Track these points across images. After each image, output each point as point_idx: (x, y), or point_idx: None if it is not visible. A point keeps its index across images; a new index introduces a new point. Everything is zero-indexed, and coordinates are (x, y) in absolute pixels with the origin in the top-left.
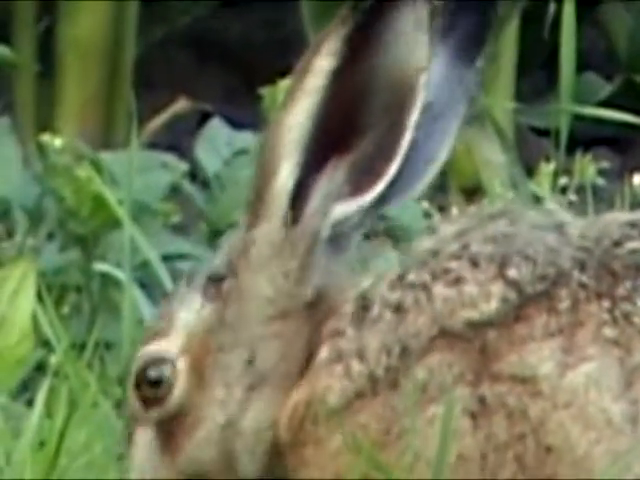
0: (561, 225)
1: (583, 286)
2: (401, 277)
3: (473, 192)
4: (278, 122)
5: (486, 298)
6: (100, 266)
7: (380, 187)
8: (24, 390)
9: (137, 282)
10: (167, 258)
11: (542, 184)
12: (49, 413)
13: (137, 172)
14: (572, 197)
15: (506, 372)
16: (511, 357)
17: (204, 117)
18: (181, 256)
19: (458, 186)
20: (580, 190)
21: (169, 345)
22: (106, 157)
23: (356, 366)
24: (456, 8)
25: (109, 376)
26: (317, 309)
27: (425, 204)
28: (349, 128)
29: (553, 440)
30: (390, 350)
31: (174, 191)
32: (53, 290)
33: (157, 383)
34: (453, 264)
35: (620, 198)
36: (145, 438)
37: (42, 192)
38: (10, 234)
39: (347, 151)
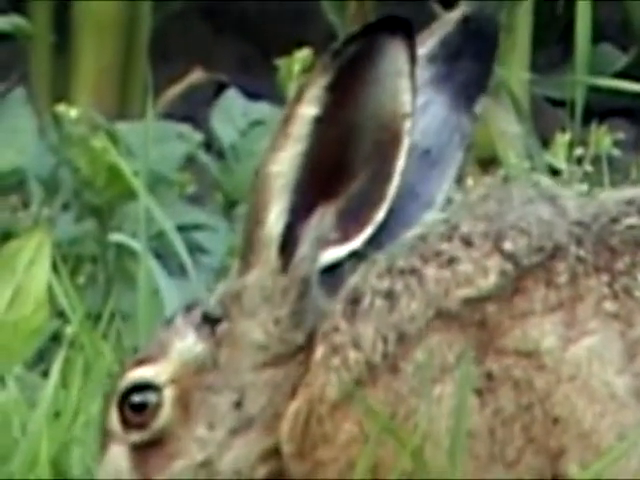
0: (554, 198)
1: (581, 260)
2: (389, 265)
3: (489, 163)
4: (264, 169)
5: (483, 274)
6: (116, 236)
7: (368, 233)
8: (39, 361)
9: (152, 252)
10: (182, 228)
11: (558, 155)
12: (64, 383)
13: (153, 142)
14: (588, 168)
15: (510, 346)
16: (513, 332)
17: (220, 88)
18: (196, 226)
19: (474, 157)
20: (596, 161)
21: (159, 371)
22: (122, 128)
23: (352, 355)
24: (455, 54)
25: (124, 346)
26: (309, 350)
27: None
28: (337, 174)
29: (560, 411)
30: (386, 337)
31: (189, 161)
32: (68, 260)
33: (141, 408)
34: (444, 246)
35: (636, 169)
36: (118, 457)
37: (57, 163)
38: (26, 205)
39: (335, 197)
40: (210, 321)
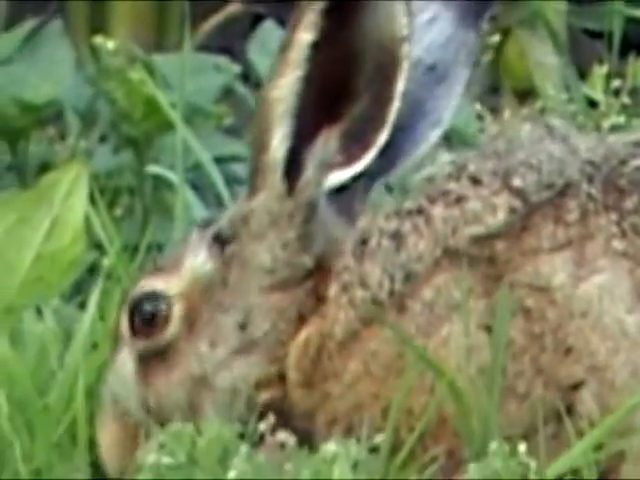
0: (566, 137)
1: (592, 198)
2: (397, 207)
3: (526, 95)
4: (266, 95)
5: (492, 211)
6: (153, 168)
7: (371, 155)
8: (77, 293)
9: (189, 184)
10: (219, 160)
11: (595, 87)
12: (102, 315)
13: (190, 74)
14: (625, 100)
15: (522, 281)
16: (524, 268)
17: (257, 19)
18: (233, 158)
19: (511, 88)
20: (633, 93)
21: (170, 284)
22: (159, 59)
23: (359, 293)
24: None
25: None
26: (317, 276)
27: (478, 106)
28: (339, 97)
29: (573, 342)
30: (392, 276)
31: (227, 93)
32: (106, 192)
33: (150, 317)
34: (452, 185)
35: None
36: (125, 361)
37: (95, 94)
38: (63, 137)
39: (338, 120)
40: (220, 241)
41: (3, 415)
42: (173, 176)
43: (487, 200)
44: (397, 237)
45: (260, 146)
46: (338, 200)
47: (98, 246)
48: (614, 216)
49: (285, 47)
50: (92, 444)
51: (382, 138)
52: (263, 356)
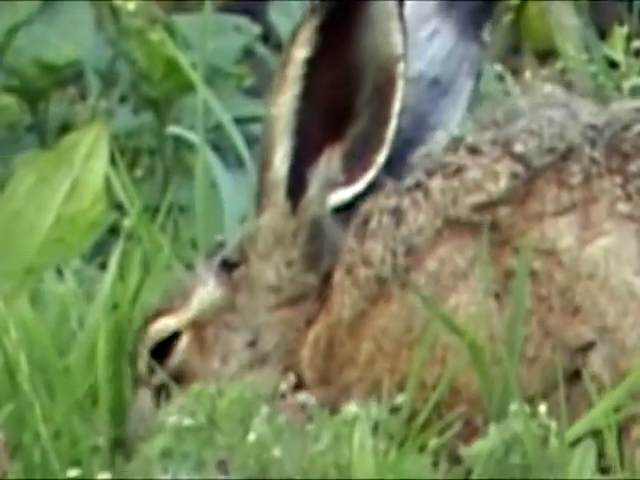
0: (567, 103)
1: (595, 162)
2: (396, 185)
3: (546, 55)
4: (268, 113)
5: (493, 178)
6: (173, 129)
7: (371, 175)
8: (97, 253)
9: (210, 145)
10: (240, 121)
11: (615, 47)
12: (122, 276)
13: (210, 35)
14: None
15: (527, 245)
16: (530, 232)
17: None
18: (254, 119)
19: (531, 49)
20: None
21: (181, 320)
22: (179, 20)
23: (362, 272)
24: None
25: (182, 239)
26: (325, 287)
27: (498, 67)
28: (340, 117)
29: (580, 302)
30: (394, 250)
31: (247, 54)
32: (126, 153)
33: (162, 349)
34: (450, 158)
35: None
36: (144, 399)
37: (115, 55)
38: (83, 97)
39: (340, 139)
40: (228, 266)
41: (23, 376)
42: (193, 137)
43: (488, 168)
44: (397, 213)
45: (264, 165)
46: (345, 217)
47: (118, 207)
48: (618, 179)
49: (283, 64)
50: (112, 405)
51: (381, 158)
52: (275, 366)
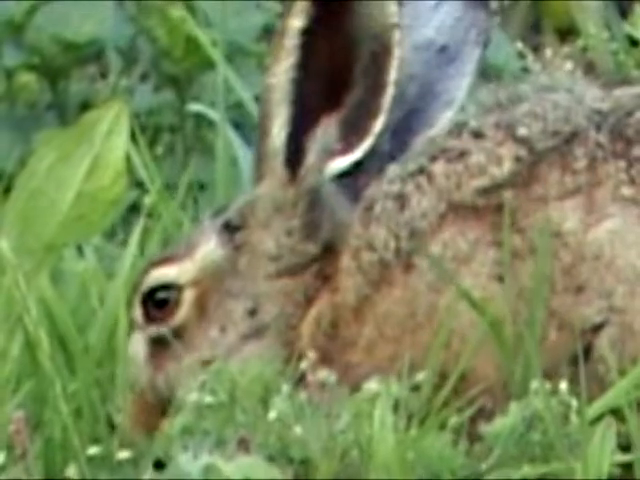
0: (571, 88)
1: (600, 146)
2: (400, 170)
3: (567, 33)
4: (265, 83)
5: (497, 162)
6: (194, 106)
7: (368, 143)
8: (118, 231)
9: (231, 122)
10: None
11: (636, 25)
12: (142, 253)
13: (231, 13)
14: None
15: (532, 226)
16: (535, 214)
17: None
18: None
19: (552, 26)
20: None
21: (182, 272)
22: None
23: (366, 257)
24: None
25: (202, 216)
26: (325, 260)
27: (519, 44)
28: (337, 85)
29: (585, 281)
30: (398, 235)
31: (268, 32)
32: (147, 131)
33: (162, 304)
34: (453, 142)
35: None
36: (137, 345)
37: (136, 33)
38: (104, 75)
39: (337, 108)
40: (230, 229)
41: (44, 354)
42: (214, 114)
43: (491, 152)
44: (400, 198)
45: (262, 133)
46: (346, 184)
47: (139, 184)
48: (622, 163)
49: (280, 34)
50: None
51: (377, 126)
52: (274, 340)
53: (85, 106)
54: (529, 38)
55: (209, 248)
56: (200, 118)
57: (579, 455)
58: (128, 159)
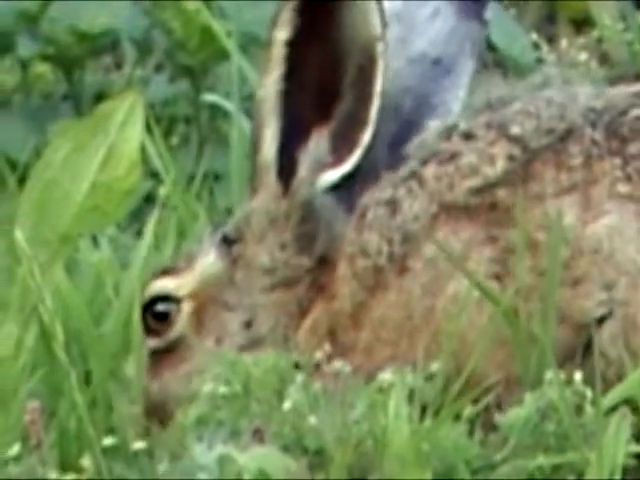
0: (565, 84)
1: (595, 143)
2: (391, 176)
3: (582, 23)
4: (256, 94)
5: (489, 162)
6: (209, 97)
7: (357, 156)
8: (133, 222)
9: (245, 113)
10: None
11: None
12: (158, 244)
13: (246, 3)
14: None
15: (530, 222)
16: (531, 211)
17: None
18: None
19: (567, 17)
20: None
21: (181, 284)
22: None
23: (360, 263)
24: None
25: (217, 207)
26: (319, 272)
27: (534, 35)
28: (327, 98)
29: (581, 274)
30: (390, 239)
31: None
32: (162, 121)
33: (161, 317)
34: (443, 145)
35: None
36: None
37: (151, 24)
38: (119, 65)
39: (328, 120)
40: (228, 242)
41: (59, 344)
42: (229, 105)
43: (483, 152)
44: (392, 203)
45: (255, 146)
46: (342, 197)
47: (154, 175)
48: (618, 161)
49: (267, 45)
50: None
51: (367, 137)
52: (269, 351)
53: (100, 97)
54: (544, 29)
55: (208, 261)
56: (215, 109)
57: (594, 445)
58: (143, 150)
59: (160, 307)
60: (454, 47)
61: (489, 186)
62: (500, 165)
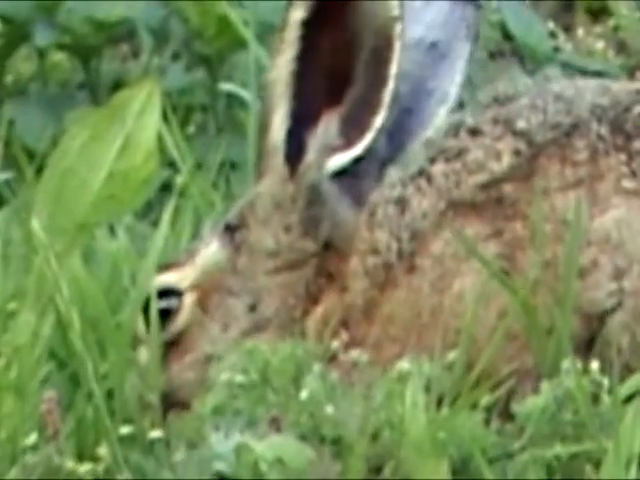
0: (572, 80)
1: (601, 138)
2: (400, 174)
3: (599, 12)
4: (267, 76)
5: (495, 157)
6: (225, 86)
7: (369, 139)
8: (149, 210)
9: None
10: None
11: None
12: (174, 233)
13: None
14: None
15: (536, 214)
16: (538, 205)
17: None
18: None
19: (584, 6)
20: None
21: (182, 277)
22: None
23: (370, 261)
24: None
25: (234, 195)
26: (325, 257)
27: (551, 24)
28: (338, 81)
29: (592, 264)
30: (399, 237)
31: None
32: (178, 110)
33: (163, 312)
34: (451, 142)
35: None
36: (143, 358)
37: (168, 12)
38: (136, 54)
39: (338, 103)
40: (230, 230)
41: (76, 333)
42: (246, 94)
43: (489, 147)
44: (401, 202)
45: (263, 129)
46: (347, 184)
47: (171, 164)
48: (623, 156)
49: (281, 27)
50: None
51: (379, 121)
52: (275, 333)
53: (117, 85)
54: (561, 18)
55: (210, 251)
56: (232, 97)
57: (611, 434)
58: (160, 138)
59: (161, 303)
60: (450, 32)
61: (495, 181)
62: (506, 160)
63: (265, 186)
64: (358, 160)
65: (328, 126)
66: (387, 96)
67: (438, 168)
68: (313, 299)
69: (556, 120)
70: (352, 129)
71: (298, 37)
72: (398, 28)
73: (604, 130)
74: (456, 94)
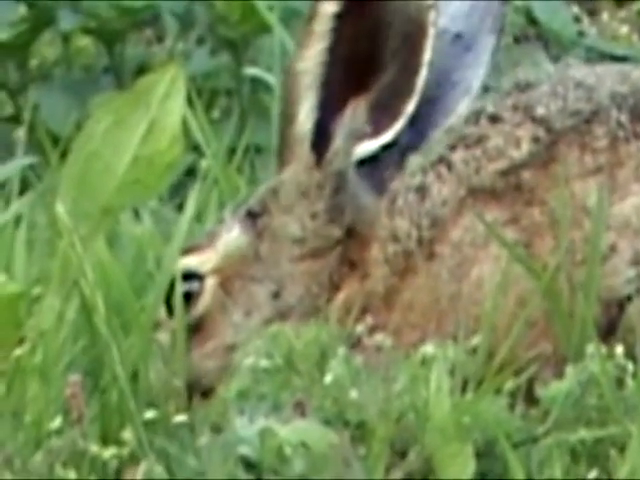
0: (593, 66)
1: (621, 125)
2: (421, 162)
3: None
4: (292, 68)
5: (515, 144)
6: (250, 70)
7: (399, 126)
8: (174, 194)
9: None
10: None
11: None
12: (199, 217)
13: None
14: None
15: (554, 199)
16: (556, 190)
17: None
18: None
19: None
20: None
21: (203, 261)
22: None
23: (391, 248)
24: None
25: (258, 180)
26: (348, 245)
27: (575, 9)
28: (367, 68)
29: (611, 249)
30: (419, 224)
31: None
32: (203, 94)
33: (185, 295)
34: (471, 129)
35: None
36: (164, 344)
37: None
38: (160, 39)
39: (366, 91)
40: (252, 216)
41: (100, 318)
42: (270, 78)
43: (509, 134)
44: (422, 189)
45: (288, 118)
46: (368, 171)
47: (195, 148)
48: None
49: (310, 18)
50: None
51: (410, 108)
52: (298, 321)
53: (141, 70)
54: (585, 2)
55: (231, 236)
56: (256, 82)
57: (635, 419)
58: (184, 123)
59: (182, 286)
60: (475, 23)
61: (515, 168)
62: (525, 147)
63: (289, 174)
64: (385, 148)
65: (356, 113)
66: (419, 83)
67: (458, 155)
68: (335, 286)
69: (576, 107)
70: (380, 116)
71: (329, 30)
72: (432, 15)
73: (624, 117)
74: (479, 85)
